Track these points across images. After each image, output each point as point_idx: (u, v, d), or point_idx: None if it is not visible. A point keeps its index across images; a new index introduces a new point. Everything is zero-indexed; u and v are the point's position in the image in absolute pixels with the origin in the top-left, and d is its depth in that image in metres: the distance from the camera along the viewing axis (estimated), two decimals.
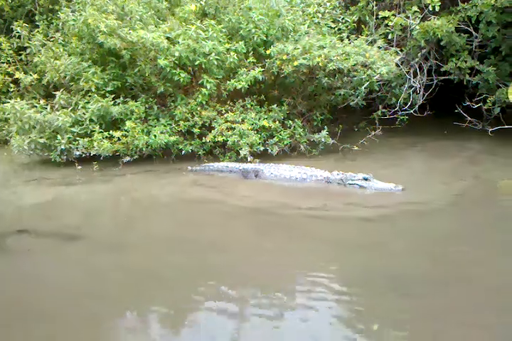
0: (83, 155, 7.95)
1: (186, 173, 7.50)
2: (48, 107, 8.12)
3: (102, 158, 7.78)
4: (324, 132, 8.01)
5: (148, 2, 8.16)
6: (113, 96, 8.07)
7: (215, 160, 7.94)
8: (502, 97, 8.64)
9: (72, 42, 8.61)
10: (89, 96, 7.97)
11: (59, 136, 7.64)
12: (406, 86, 9.14)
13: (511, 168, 7.22)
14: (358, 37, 8.72)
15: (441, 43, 9.07)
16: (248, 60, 8.03)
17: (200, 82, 7.83)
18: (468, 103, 8.80)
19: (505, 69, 9.17)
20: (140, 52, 7.75)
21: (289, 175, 6.96)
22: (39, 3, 10.16)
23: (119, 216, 5.90)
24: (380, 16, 8.80)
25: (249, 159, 7.60)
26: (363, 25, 9.17)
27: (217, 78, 7.92)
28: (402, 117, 9.17)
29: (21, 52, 9.82)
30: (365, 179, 6.51)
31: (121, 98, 8.12)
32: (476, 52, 9.21)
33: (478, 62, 8.99)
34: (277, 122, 7.95)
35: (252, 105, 8.08)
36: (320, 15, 8.80)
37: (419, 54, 9.32)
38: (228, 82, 7.87)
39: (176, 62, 7.73)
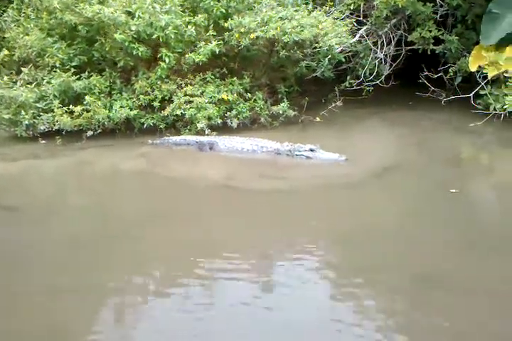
0: (48, 130, 8.08)
1: (146, 146, 7.72)
2: (18, 83, 8.29)
3: (64, 133, 7.94)
4: (284, 104, 8.13)
5: None
6: (79, 71, 8.22)
7: (177, 133, 8.11)
8: (464, 67, 8.64)
9: (42, 17, 8.69)
10: (55, 71, 8.10)
11: (23, 112, 7.83)
12: (371, 57, 9.14)
13: (461, 136, 7.33)
14: (321, 9, 8.71)
15: (406, 13, 9.06)
16: (208, 34, 8.08)
17: (159, 55, 7.93)
18: (426, 73, 8.80)
19: (472, 38, 9.13)
20: (97, 27, 7.81)
21: (240, 147, 7.16)
22: None
23: (63, 187, 6.19)
24: None
25: (206, 132, 7.76)
26: None
27: (176, 52, 8.00)
28: (367, 88, 9.24)
29: None
30: (312, 150, 6.71)
31: (87, 73, 8.26)
32: (441, 21, 9.17)
33: (442, 32, 8.96)
34: (236, 95, 8.05)
35: (212, 78, 8.17)
36: None
37: (388, 24, 9.30)
38: (187, 55, 7.93)
39: (135, 36, 7.81)
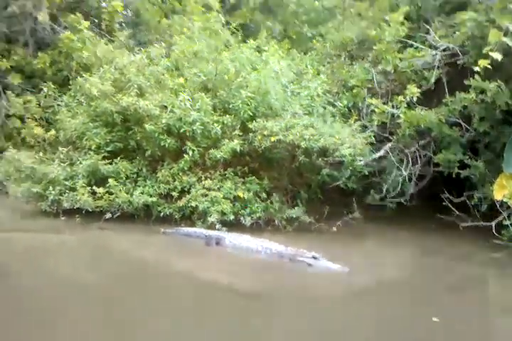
0: (71, 207, 8.38)
1: (158, 235, 7.81)
2: (55, 161, 8.89)
3: (84, 212, 8.22)
4: (299, 208, 8.17)
5: (152, 73, 9.01)
6: (113, 156, 8.76)
7: (192, 225, 8.20)
8: (489, 194, 8.40)
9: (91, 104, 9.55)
10: (89, 154, 8.67)
11: (51, 187, 8.27)
12: (394, 173, 9.17)
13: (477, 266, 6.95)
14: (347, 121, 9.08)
15: (432, 134, 9.24)
16: (234, 133, 8.53)
17: (183, 148, 8.37)
18: (449, 196, 8.67)
19: (500, 166, 9.03)
20: (133, 117, 8.45)
21: (245, 246, 7.11)
22: (74, 69, 11.39)
23: (59, 263, 6.26)
24: (367, 103, 9.16)
25: (217, 226, 7.82)
26: (352, 110, 9.49)
27: (201, 147, 8.43)
28: (390, 205, 9.18)
29: (47, 110, 10.92)
30: (314, 257, 6.54)
31: (119, 158, 8.77)
32: (471, 145, 9.23)
33: (468, 156, 8.94)
34: (253, 194, 8.20)
35: (231, 175, 8.45)
36: (310, 98, 9.22)
37: (415, 143, 9.45)
38: (211, 151, 8.33)
39: (165, 128, 8.36)
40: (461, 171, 8.93)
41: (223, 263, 6.80)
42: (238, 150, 8.28)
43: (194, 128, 8.27)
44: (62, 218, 8.30)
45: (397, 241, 8.18)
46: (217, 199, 7.93)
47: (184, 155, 8.40)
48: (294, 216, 8.18)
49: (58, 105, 10.33)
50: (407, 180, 9.17)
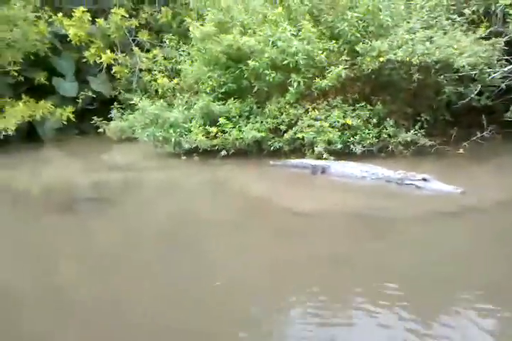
0: (190, 148, 8.88)
1: (268, 168, 7.94)
2: (175, 106, 9.49)
3: (201, 151, 8.67)
4: (413, 132, 7.51)
5: (254, 8, 8.83)
6: (227, 97, 8.99)
7: (302, 156, 8.14)
8: None
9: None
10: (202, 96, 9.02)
11: (171, 130, 8.87)
12: None
13: None
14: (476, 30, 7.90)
15: None
16: (340, 59, 8.04)
17: (289, 81, 8.17)
18: None
19: None
20: (236, 56, 8.45)
21: (350, 173, 6.85)
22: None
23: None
24: (500, 6, 7.79)
25: (324, 156, 7.62)
26: (483, 17, 8.18)
27: (307, 77, 8.13)
28: None
29: (171, 61, 11.55)
30: (425, 179, 6.02)
31: (232, 99, 8.97)
32: None
33: None
34: (360, 121, 7.75)
35: (339, 103, 8.05)
36: (427, 9, 8.15)
37: None
38: (316, 80, 8.00)
39: (269, 63, 8.22)
40: None
41: (327, 190, 6.64)
42: (343, 75, 7.79)
43: (297, 58, 7.96)
44: (183, 158, 8.85)
45: None
46: (323, 129, 7.68)
47: (289, 88, 8.19)
48: (409, 139, 7.51)
49: (180, 55, 10.82)
50: None
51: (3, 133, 10.70)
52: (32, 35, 11.66)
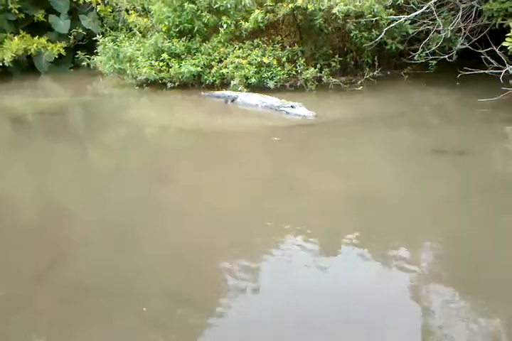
0: (144, 80, 10.68)
1: (199, 97, 9.71)
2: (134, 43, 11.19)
3: (150, 82, 10.47)
4: (311, 70, 9.02)
5: None
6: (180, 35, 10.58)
7: (227, 88, 9.80)
8: None
9: None
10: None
11: (127, 64, 10.65)
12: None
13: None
14: None
15: None
16: (265, 4, 9.46)
17: (220, 22, 9.70)
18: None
19: None
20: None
21: (249, 102, 8.54)
22: None
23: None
24: None
25: (239, 89, 9.26)
26: None
27: (235, 20, 9.62)
28: (430, 63, 9.29)
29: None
30: (292, 106, 7.69)
31: (185, 38, 10.56)
32: None
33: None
34: (274, 59, 9.27)
35: (260, 44, 9.56)
36: None
37: None
38: (240, 22, 9.50)
39: (206, 6, 9.72)
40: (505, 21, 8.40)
41: (229, 112, 8.51)
42: (260, 19, 9.20)
43: (225, 2, 9.43)
44: (136, 88, 10.70)
45: (397, 96, 8.66)
46: (241, 65, 9.26)
47: (220, 28, 9.73)
48: (309, 76, 9.03)
49: None
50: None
51: (0, 64, 12.79)
52: None
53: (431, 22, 9.26)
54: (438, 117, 7.54)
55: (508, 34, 7.14)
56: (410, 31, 9.36)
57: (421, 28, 9.40)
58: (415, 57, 9.47)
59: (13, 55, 12.96)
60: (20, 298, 3.16)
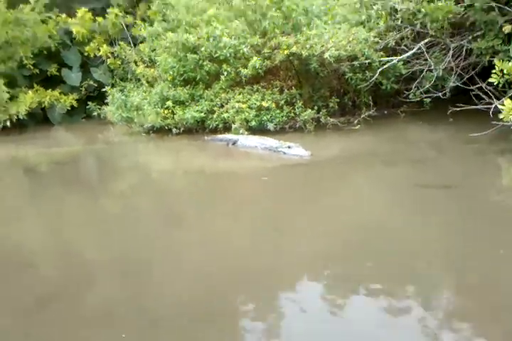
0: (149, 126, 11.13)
1: (203, 141, 10.07)
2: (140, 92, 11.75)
3: (157, 129, 10.90)
4: (308, 111, 9.38)
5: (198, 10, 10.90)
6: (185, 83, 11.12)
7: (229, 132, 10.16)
8: None
9: None
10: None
11: (135, 112, 11.15)
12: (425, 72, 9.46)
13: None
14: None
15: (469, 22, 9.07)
16: (263, 52, 9.97)
17: (221, 70, 10.20)
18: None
19: None
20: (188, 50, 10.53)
21: (249, 144, 8.86)
22: None
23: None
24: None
25: (241, 132, 9.62)
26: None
27: (236, 67, 10.11)
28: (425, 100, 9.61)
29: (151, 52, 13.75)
30: (289, 147, 7.98)
31: (189, 86, 11.09)
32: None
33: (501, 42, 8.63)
34: (273, 103, 9.66)
35: (258, 89, 10.00)
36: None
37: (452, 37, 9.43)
38: (240, 69, 9.98)
39: (207, 55, 10.27)
40: (492, 58, 8.69)
41: (230, 155, 8.89)
42: (258, 66, 9.66)
43: (225, 52, 9.96)
44: (143, 135, 11.14)
45: (392, 133, 8.97)
46: (242, 110, 9.66)
47: (221, 76, 10.22)
48: (307, 117, 9.36)
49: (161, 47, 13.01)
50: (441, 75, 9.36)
51: (15, 117, 13.44)
52: (41, 33, 14.29)
53: (423, 62, 9.60)
54: (431, 153, 7.72)
55: (494, 71, 7.42)
56: (403, 71, 9.70)
57: (414, 68, 9.74)
58: (410, 96, 9.77)
59: (28, 108, 13.59)
60: None
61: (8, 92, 13.58)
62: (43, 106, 14.34)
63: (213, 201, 6.13)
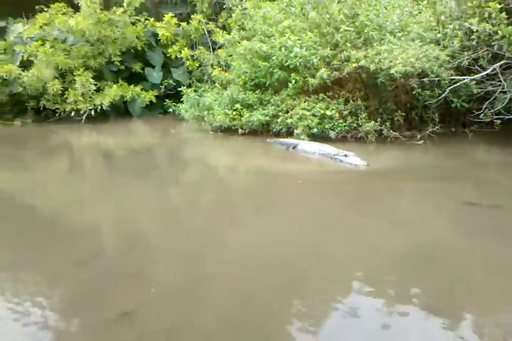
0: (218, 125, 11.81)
1: (265, 143, 10.58)
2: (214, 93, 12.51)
3: (224, 128, 11.57)
4: (371, 123, 9.64)
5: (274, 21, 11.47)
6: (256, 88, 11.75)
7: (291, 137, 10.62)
8: None
9: None
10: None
11: (206, 112, 11.88)
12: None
13: None
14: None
15: None
16: (332, 63, 10.36)
17: (289, 78, 10.69)
18: None
19: None
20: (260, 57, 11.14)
21: (309, 149, 9.25)
22: None
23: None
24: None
25: (302, 137, 10.03)
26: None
27: (304, 76, 10.56)
28: (495, 122, 9.61)
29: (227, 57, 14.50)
30: (346, 155, 8.32)
31: (258, 90, 11.70)
32: None
33: None
34: (336, 112, 10.01)
35: (324, 98, 10.38)
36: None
37: None
38: (308, 79, 10.41)
39: (278, 63, 10.80)
40: None
41: (289, 158, 9.29)
42: (325, 76, 10.06)
43: (295, 61, 10.45)
44: (211, 133, 11.83)
45: (454, 151, 9.04)
46: (305, 116, 10.07)
47: (289, 84, 10.71)
48: (369, 128, 9.65)
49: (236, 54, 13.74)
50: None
51: (99, 107, 14.65)
52: (130, 34, 15.49)
53: (498, 83, 9.57)
54: (490, 173, 7.74)
55: None
56: (475, 91, 9.70)
57: (487, 89, 9.71)
58: (481, 116, 9.75)
59: (111, 100, 14.74)
60: None
61: (96, 85, 14.82)
62: (125, 99, 15.41)
63: (267, 200, 6.58)
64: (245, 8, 13.40)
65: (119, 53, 15.57)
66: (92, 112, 14.73)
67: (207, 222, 5.80)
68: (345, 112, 10.11)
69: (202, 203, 6.70)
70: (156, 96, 15.90)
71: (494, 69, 9.53)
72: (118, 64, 15.76)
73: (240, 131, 11.31)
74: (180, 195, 7.27)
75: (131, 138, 12.65)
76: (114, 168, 9.22)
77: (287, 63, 10.60)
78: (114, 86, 15.19)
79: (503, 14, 9.12)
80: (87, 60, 15.32)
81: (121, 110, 16.00)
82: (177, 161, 9.87)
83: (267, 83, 11.42)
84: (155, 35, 16.62)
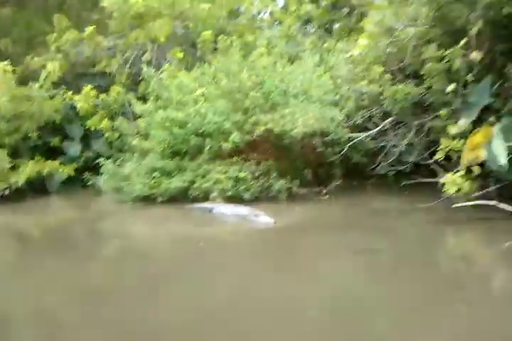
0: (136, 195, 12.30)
1: (184, 210, 11.12)
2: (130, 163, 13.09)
3: (143, 197, 12.05)
4: (281, 182, 10.53)
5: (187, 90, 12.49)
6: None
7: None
8: None
9: None
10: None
11: (124, 182, 12.36)
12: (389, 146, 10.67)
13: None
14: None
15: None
16: (244, 127, 11.33)
17: (204, 144, 11.53)
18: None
19: None
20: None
21: (224, 212, 9.95)
22: None
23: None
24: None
25: (218, 200, 10.71)
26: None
27: (219, 140, 11.44)
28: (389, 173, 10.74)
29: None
30: (255, 215, 9.14)
31: (177, 157, 12.40)
32: None
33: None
34: (248, 174, 10.85)
35: (237, 160, 11.24)
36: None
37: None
38: (222, 143, 11.29)
39: (193, 130, 11.66)
40: None
41: (206, 221, 9.99)
42: (237, 140, 11.00)
43: (208, 127, 11.35)
44: (131, 203, 12.26)
45: (355, 203, 10.17)
46: (220, 180, 10.82)
47: (204, 149, 11.54)
48: (279, 187, 10.50)
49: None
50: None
51: (13, 186, 14.75)
52: (47, 108, 16.05)
53: (389, 139, 10.81)
54: (381, 221, 8.76)
55: (440, 147, 8.58)
56: (371, 146, 10.89)
57: (381, 144, 10.93)
58: (377, 169, 10.88)
59: (28, 177, 14.91)
60: None
61: (11, 162, 15.00)
62: (42, 175, 15.59)
63: (186, 267, 7.12)
64: (161, 79, 14.40)
65: (37, 128, 15.93)
66: (7, 191, 14.73)
67: (124, 298, 6.03)
68: (258, 173, 10.95)
69: (122, 278, 6.89)
70: (75, 169, 16.20)
71: (384, 125, 10.79)
72: (35, 139, 16.08)
73: (159, 199, 11.82)
74: (96, 272, 7.42)
75: (49, 215, 12.87)
76: (29, 250, 9.28)
77: (202, 129, 11.45)
78: (30, 162, 15.40)
79: (388, 75, 10.47)
80: (2, 137, 15.56)
81: (38, 186, 16.12)
82: (95, 236, 10.20)
83: (184, 150, 12.17)
84: (74, 107, 17.21)
